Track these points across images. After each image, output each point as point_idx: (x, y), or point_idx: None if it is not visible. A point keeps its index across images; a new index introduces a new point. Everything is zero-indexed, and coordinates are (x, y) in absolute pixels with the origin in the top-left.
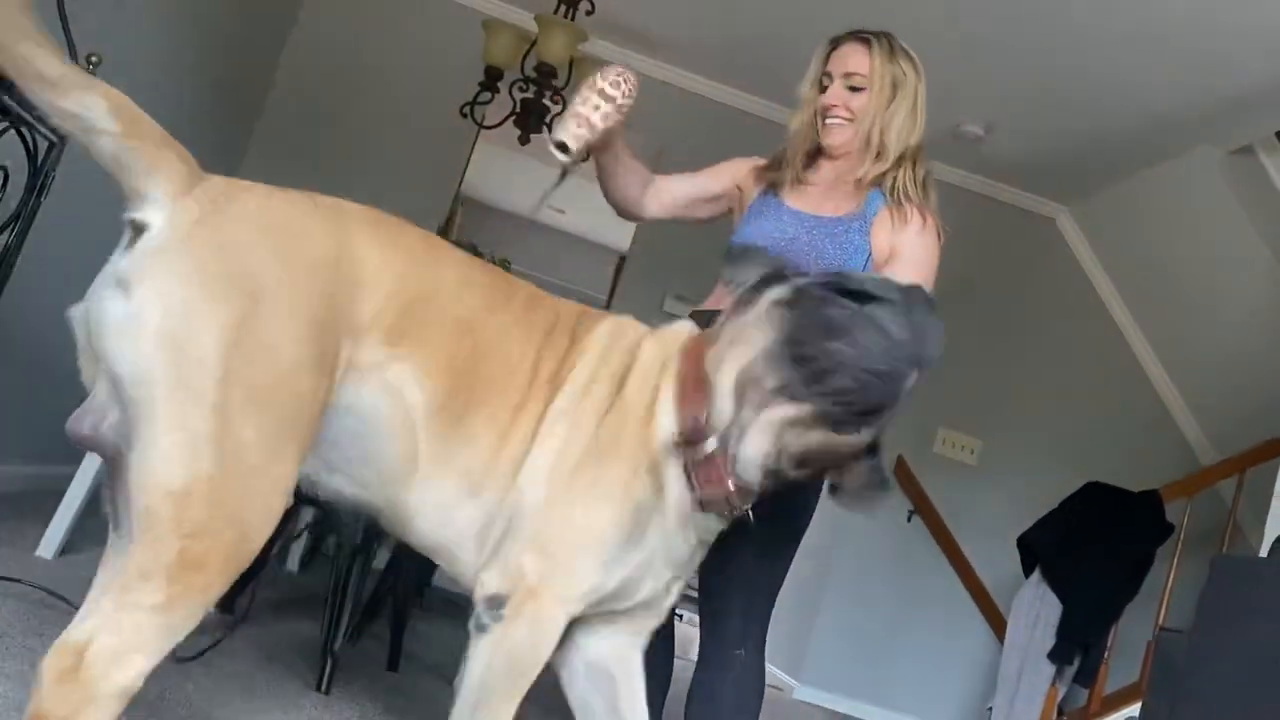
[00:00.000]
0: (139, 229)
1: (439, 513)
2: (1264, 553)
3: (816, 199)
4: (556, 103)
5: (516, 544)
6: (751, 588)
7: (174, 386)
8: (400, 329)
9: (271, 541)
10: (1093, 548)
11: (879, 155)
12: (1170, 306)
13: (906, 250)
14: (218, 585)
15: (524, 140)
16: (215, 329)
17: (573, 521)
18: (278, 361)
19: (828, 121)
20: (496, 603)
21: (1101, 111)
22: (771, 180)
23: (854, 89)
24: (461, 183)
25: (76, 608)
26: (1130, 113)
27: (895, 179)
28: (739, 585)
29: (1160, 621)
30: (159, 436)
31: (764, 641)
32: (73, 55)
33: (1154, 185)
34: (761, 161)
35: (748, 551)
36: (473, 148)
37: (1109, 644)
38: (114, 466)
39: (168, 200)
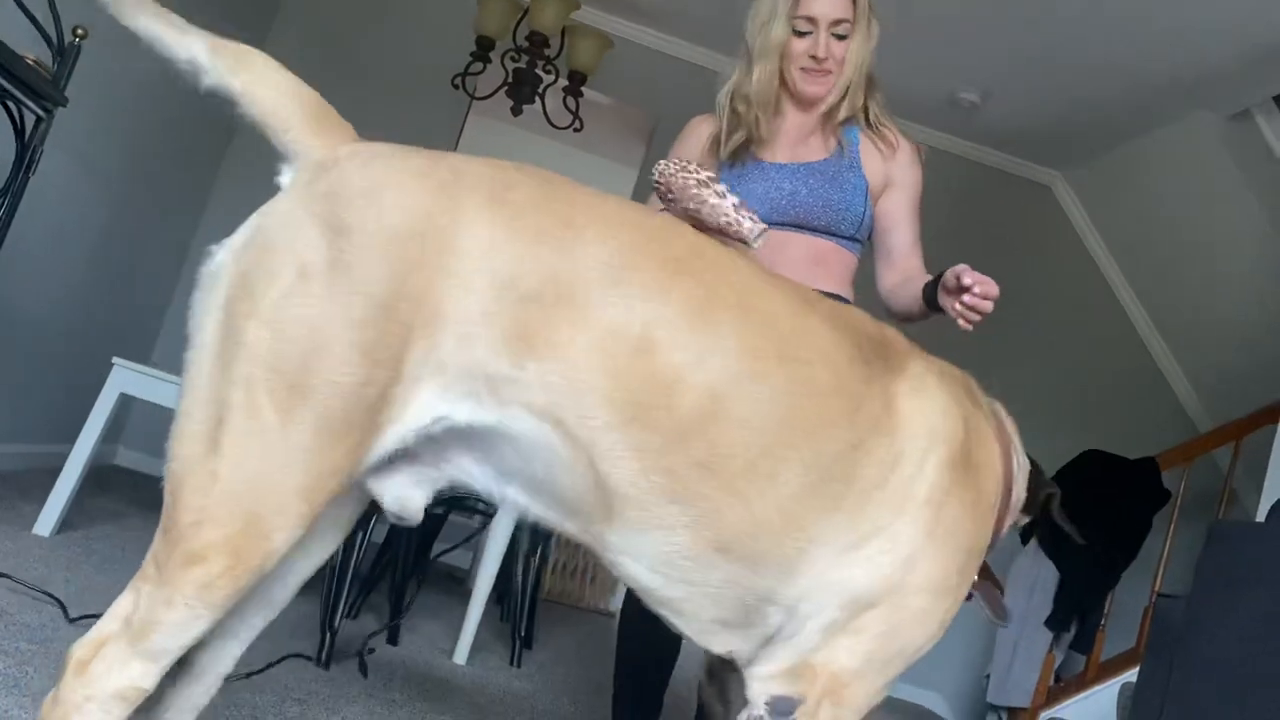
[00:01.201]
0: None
1: (662, 562)
2: (1260, 518)
3: (794, 147)
4: (549, 72)
5: (822, 639)
6: None
7: (215, 356)
8: (526, 333)
9: None
10: (1090, 515)
11: (854, 93)
12: (1167, 273)
13: (900, 179)
14: (224, 587)
15: (516, 111)
16: (265, 299)
17: (903, 630)
18: (316, 343)
19: (810, 73)
20: (785, 707)
21: (1097, 77)
22: (735, 146)
23: (839, 37)
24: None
25: (59, 602)
26: (1126, 78)
27: (869, 110)
28: None
29: (1157, 587)
30: (188, 409)
31: None
32: (58, 28)
33: (1151, 151)
34: (706, 131)
35: None
36: (465, 119)
37: (1106, 611)
38: None
39: (296, 160)
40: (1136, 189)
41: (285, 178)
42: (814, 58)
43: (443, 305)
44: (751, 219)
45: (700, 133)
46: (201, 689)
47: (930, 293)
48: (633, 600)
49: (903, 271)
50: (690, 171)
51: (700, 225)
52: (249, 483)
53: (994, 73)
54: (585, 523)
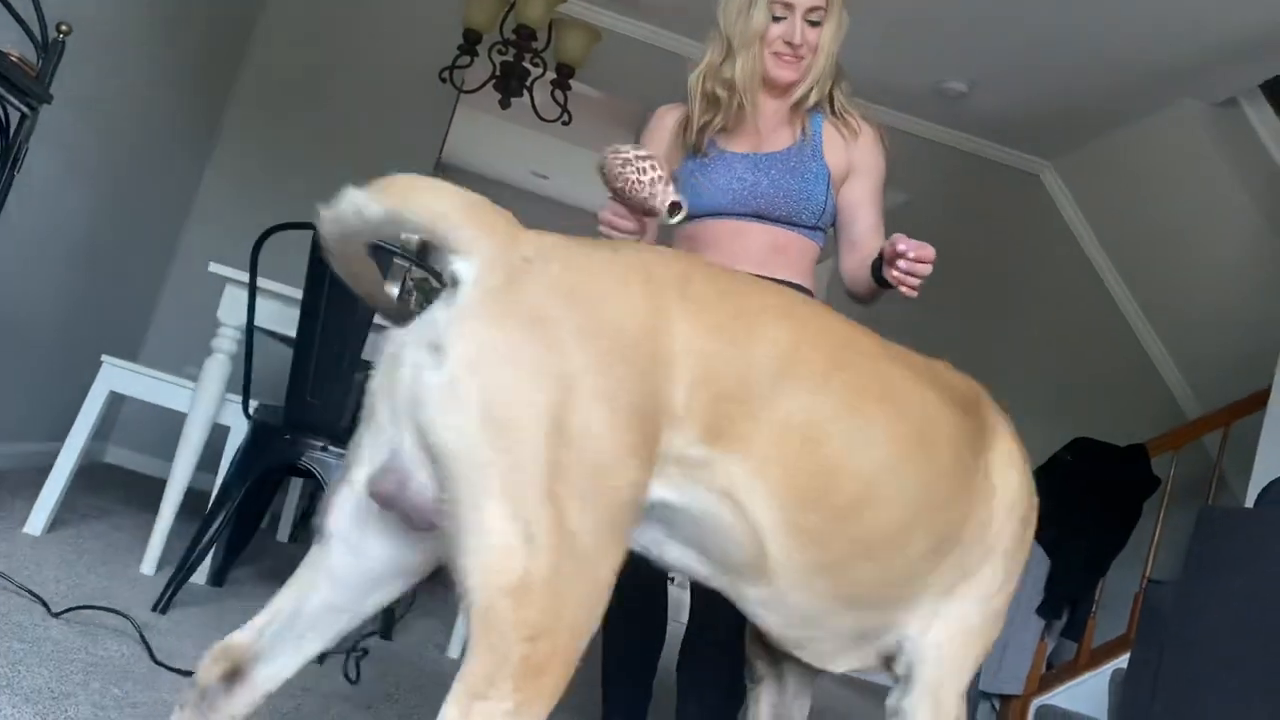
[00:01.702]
0: (455, 281)
1: (799, 617)
2: (1249, 503)
3: (758, 136)
4: (536, 65)
5: (940, 674)
6: None
7: (504, 472)
8: (717, 427)
9: (260, 512)
10: (1080, 502)
11: (823, 80)
12: (1155, 261)
13: (863, 165)
14: (560, 687)
15: (505, 104)
16: (535, 413)
17: (984, 642)
18: (599, 450)
19: (783, 57)
20: None
21: (1085, 66)
22: (703, 128)
23: (813, 23)
24: (443, 149)
25: (48, 606)
26: (1114, 66)
27: (834, 98)
28: None
29: (1147, 574)
30: (490, 525)
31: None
32: (42, 24)
33: (1138, 139)
34: (672, 119)
35: None
36: (453, 112)
37: (1097, 598)
38: (390, 510)
39: (476, 256)
40: (1125, 178)
41: (465, 270)
42: (789, 43)
43: (672, 399)
44: (665, 193)
45: (666, 122)
46: (250, 701)
47: (876, 269)
48: (617, 591)
49: (864, 255)
50: (619, 153)
51: (628, 204)
52: (570, 593)
53: (981, 62)
54: (733, 581)
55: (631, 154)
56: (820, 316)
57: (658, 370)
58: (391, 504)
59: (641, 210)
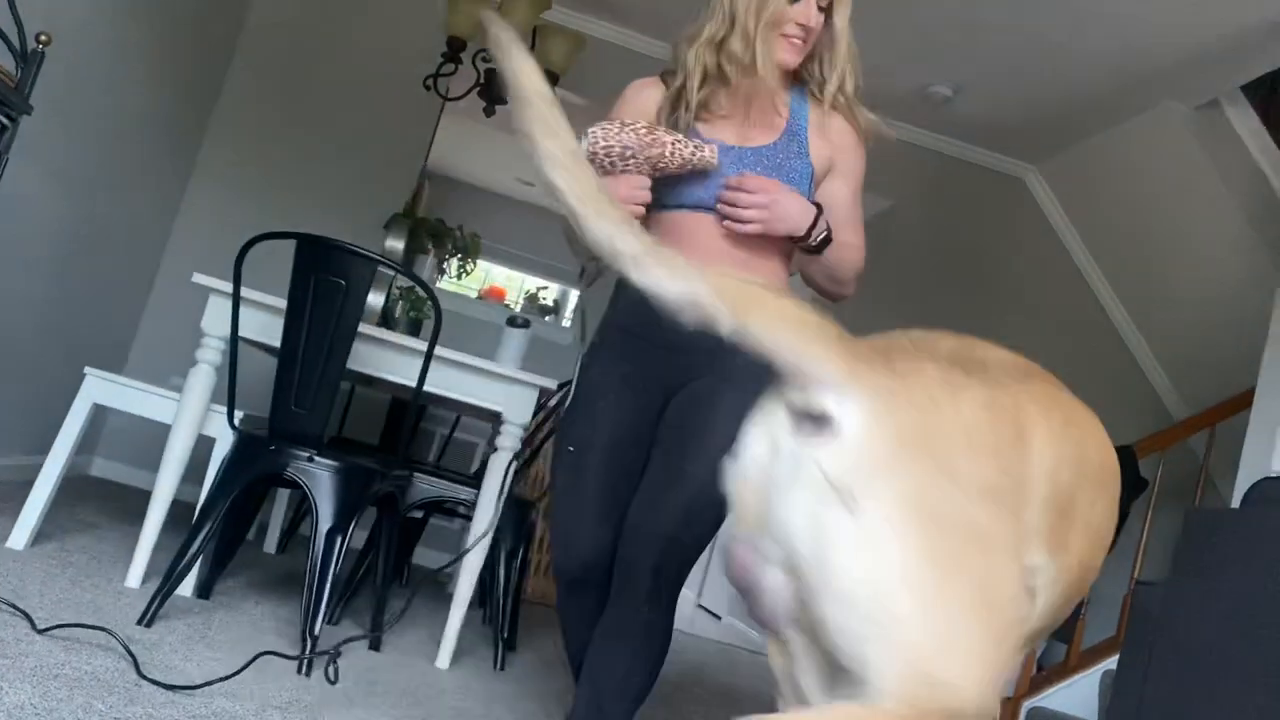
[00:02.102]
0: (814, 417)
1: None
2: (1235, 504)
3: (744, 124)
4: None
5: None
6: (671, 545)
7: (928, 626)
8: (1060, 539)
9: (247, 523)
10: None
11: (839, 67)
12: (1140, 263)
13: (843, 165)
14: None
15: (489, 112)
16: (967, 578)
17: None
18: (1013, 605)
19: (793, 39)
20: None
21: (1069, 70)
22: (700, 100)
23: (820, 9)
24: (428, 157)
25: (32, 621)
26: (1097, 70)
27: (830, 87)
28: (657, 539)
29: (1136, 575)
30: (899, 612)
31: (674, 602)
32: (21, 34)
33: (1121, 142)
34: (652, 96)
35: (678, 504)
36: (438, 121)
37: (1085, 599)
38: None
39: (849, 394)
40: (1109, 181)
41: (846, 415)
42: (802, 26)
43: (1029, 524)
44: (698, 146)
45: (645, 97)
46: None
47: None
48: (566, 602)
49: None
50: (630, 126)
51: (663, 169)
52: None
53: (966, 67)
54: None
55: (639, 125)
56: (1099, 431)
57: (1027, 501)
58: (774, 626)
59: (679, 168)
